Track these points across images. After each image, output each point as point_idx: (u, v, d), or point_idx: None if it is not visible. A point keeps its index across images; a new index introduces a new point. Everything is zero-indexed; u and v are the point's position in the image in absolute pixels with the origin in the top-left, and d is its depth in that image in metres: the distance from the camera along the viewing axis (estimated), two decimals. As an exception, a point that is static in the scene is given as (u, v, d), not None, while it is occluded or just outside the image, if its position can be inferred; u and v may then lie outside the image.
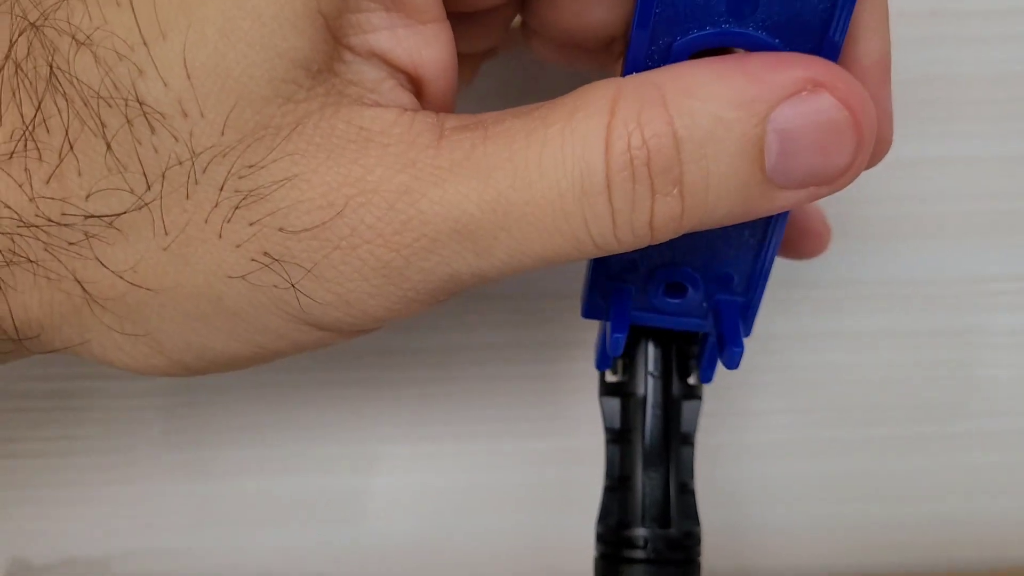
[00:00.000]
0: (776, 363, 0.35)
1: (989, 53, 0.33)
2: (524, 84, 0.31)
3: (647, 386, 0.26)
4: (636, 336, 0.26)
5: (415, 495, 0.35)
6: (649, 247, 0.20)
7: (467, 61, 0.27)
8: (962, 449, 0.35)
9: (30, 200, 0.19)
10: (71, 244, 0.19)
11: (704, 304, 0.24)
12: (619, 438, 0.27)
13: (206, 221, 0.19)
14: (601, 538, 0.26)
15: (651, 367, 0.26)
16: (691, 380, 0.27)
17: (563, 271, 0.33)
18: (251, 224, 0.19)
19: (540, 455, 0.35)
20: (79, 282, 0.20)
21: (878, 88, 0.21)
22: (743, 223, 0.22)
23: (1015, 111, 0.33)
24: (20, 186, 0.19)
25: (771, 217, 0.22)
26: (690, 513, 0.26)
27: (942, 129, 0.33)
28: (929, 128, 0.33)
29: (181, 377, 0.23)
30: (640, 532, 0.25)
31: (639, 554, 0.25)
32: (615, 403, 0.27)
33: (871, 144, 0.19)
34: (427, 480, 0.35)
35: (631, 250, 0.20)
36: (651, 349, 0.26)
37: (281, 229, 0.19)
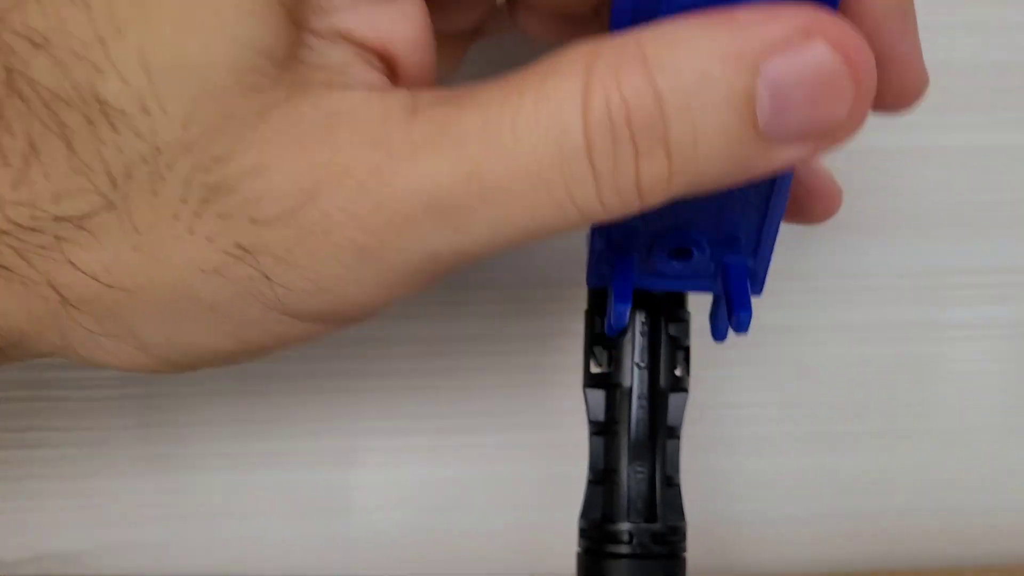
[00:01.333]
0: (761, 356, 0.34)
1: (963, 40, 0.33)
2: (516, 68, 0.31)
3: (633, 377, 0.26)
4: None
5: (398, 489, 0.34)
6: (650, 212, 0.19)
7: (451, 42, 0.26)
8: (948, 445, 0.35)
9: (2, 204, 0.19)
10: (42, 248, 0.19)
11: (712, 264, 0.23)
12: (604, 430, 0.26)
13: (175, 217, 0.19)
14: (584, 533, 0.26)
15: (637, 358, 0.26)
16: (677, 372, 0.26)
17: (555, 258, 0.33)
18: (221, 217, 0.19)
19: (527, 448, 0.34)
20: (53, 287, 0.19)
21: (898, 36, 0.20)
22: (740, 194, 0.21)
23: (988, 101, 0.33)
24: None
25: (773, 185, 0.21)
26: (675, 507, 0.26)
27: (924, 120, 0.33)
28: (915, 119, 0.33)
29: (173, 373, 0.22)
30: (625, 526, 0.25)
31: (623, 549, 0.25)
32: (600, 395, 0.26)
33: (870, 94, 0.18)
34: (410, 474, 0.34)
35: (621, 216, 0.19)
36: (638, 339, 0.26)
37: (252, 220, 0.19)
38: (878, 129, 0.33)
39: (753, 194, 0.22)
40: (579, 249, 0.26)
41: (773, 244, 0.22)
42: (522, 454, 0.34)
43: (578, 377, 0.27)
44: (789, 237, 0.33)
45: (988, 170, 0.34)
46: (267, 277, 0.19)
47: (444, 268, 0.20)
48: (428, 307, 0.33)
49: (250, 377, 0.34)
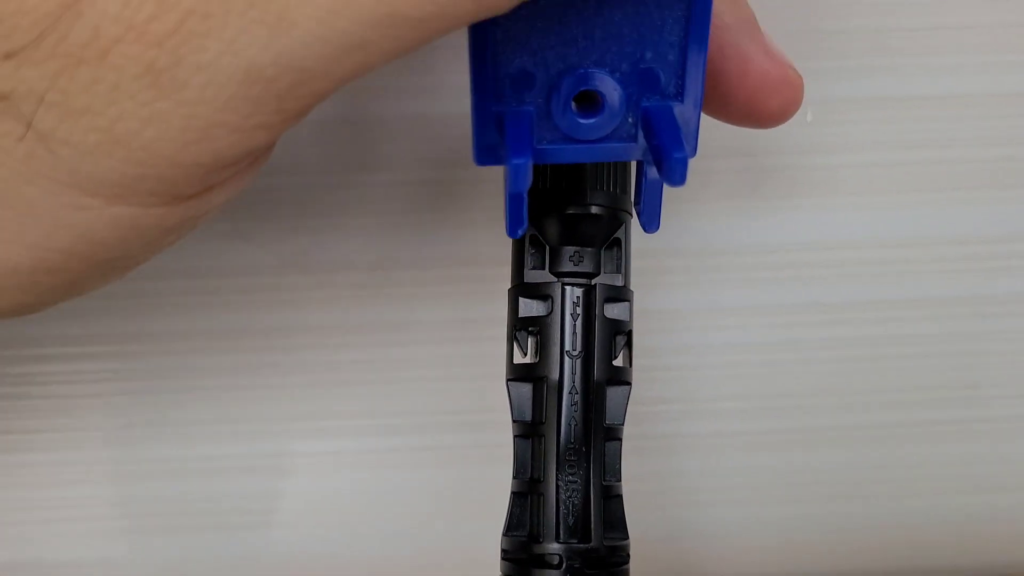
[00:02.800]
0: (722, 340, 0.30)
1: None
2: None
3: (563, 368, 0.22)
4: (550, 298, 0.21)
5: (321, 498, 0.30)
6: (542, 43, 0.15)
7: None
8: (924, 440, 0.31)
9: None
10: None
11: (629, 119, 0.18)
12: (530, 432, 0.22)
13: None
14: (507, 554, 0.22)
15: (568, 345, 0.22)
16: (617, 361, 0.22)
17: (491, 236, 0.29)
18: None
19: (459, 451, 0.30)
20: None
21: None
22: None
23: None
24: None
25: None
26: (616, 523, 0.22)
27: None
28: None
29: None
30: (553, 547, 0.21)
31: (552, 574, 0.21)
32: (525, 389, 0.22)
33: None
34: (335, 482, 0.30)
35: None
36: (568, 322, 0.22)
37: (6, 56, 0.14)
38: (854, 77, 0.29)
39: (666, 9, 0.17)
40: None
41: (702, 82, 0.18)
42: (455, 457, 0.30)
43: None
44: (755, 205, 0.30)
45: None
46: (41, 128, 0.15)
47: (275, 93, 0.15)
48: (344, 291, 0.29)
49: (163, 376, 0.30)
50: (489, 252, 0.29)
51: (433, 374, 0.30)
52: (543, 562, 0.21)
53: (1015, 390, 0.31)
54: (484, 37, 0.17)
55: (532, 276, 0.22)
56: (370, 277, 0.29)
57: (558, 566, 0.21)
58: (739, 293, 0.30)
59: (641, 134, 0.18)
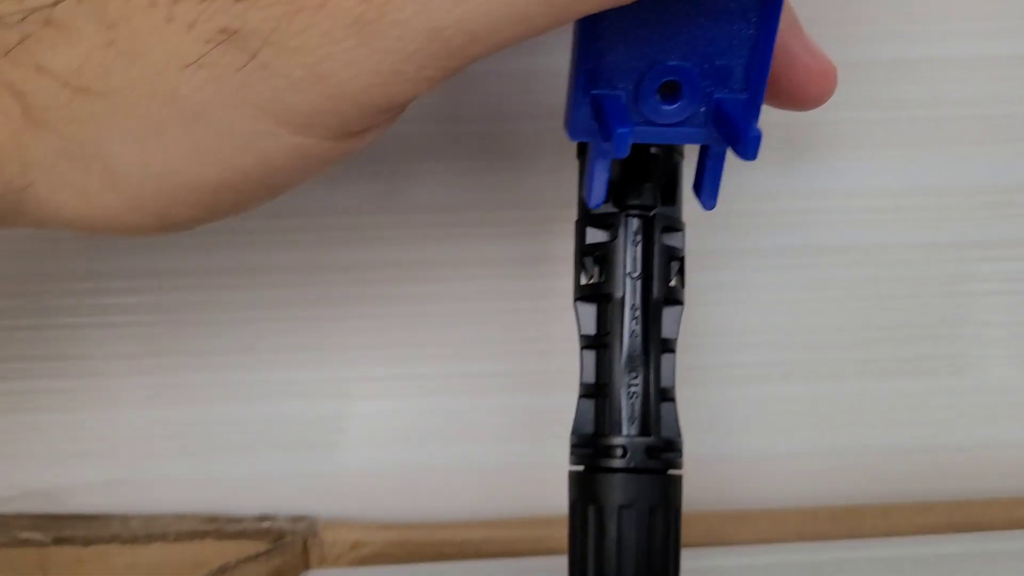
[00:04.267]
0: (754, 281, 0.33)
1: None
2: None
3: (625, 287, 0.25)
4: (613, 227, 0.24)
5: (391, 419, 0.34)
6: (639, 41, 0.18)
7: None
8: (951, 373, 0.34)
9: None
10: (7, 52, 0.18)
11: (702, 110, 0.22)
12: (595, 344, 0.25)
13: (152, 5, 0.17)
14: (576, 448, 0.25)
15: (630, 268, 0.25)
16: (673, 283, 0.25)
17: (553, 181, 0.32)
18: (202, 1, 0.17)
19: (520, 378, 0.33)
20: (18, 94, 0.18)
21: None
22: (733, 5, 0.20)
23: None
24: None
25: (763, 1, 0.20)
26: (671, 422, 0.25)
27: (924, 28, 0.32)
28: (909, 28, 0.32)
29: (141, 232, 0.20)
30: (618, 440, 0.24)
31: (617, 463, 0.24)
32: (591, 307, 0.25)
33: None
34: (402, 404, 0.33)
35: None
36: (630, 249, 0.25)
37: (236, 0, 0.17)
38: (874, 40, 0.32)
39: (740, 15, 0.21)
40: (569, 167, 0.25)
41: (766, 79, 0.21)
42: (511, 383, 0.33)
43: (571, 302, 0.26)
44: (785, 156, 0.33)
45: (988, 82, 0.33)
46: (259, 61, 0.18)
47: (447, 51, 0.18)
48: (423, 228, 0.32)
49: (242, 308, 0.33)
50: (551, 196, 0.32)
51: (500, 306, 0.33)
52: (610, 452, 0.24)
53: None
54: (591, 30, 0.20)
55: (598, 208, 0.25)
56: (442, 218, 0.32)
57: (622, 455, 0.24)
58: (771, 236, 0.33)
59: (711, 121, 0.22)
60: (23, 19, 0.18)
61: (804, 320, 0.33)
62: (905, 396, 0.34)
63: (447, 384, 0.33)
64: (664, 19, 0.20)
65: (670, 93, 0.21)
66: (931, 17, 0.32)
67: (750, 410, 0.34)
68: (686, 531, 0.31)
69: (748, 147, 0.20)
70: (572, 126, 0.22)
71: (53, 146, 0.19)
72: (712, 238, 0.33)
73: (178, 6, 0.17)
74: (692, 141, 0.22)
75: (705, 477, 0.33)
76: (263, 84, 0.18)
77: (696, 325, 0.32)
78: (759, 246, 0.33)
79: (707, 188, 0.23)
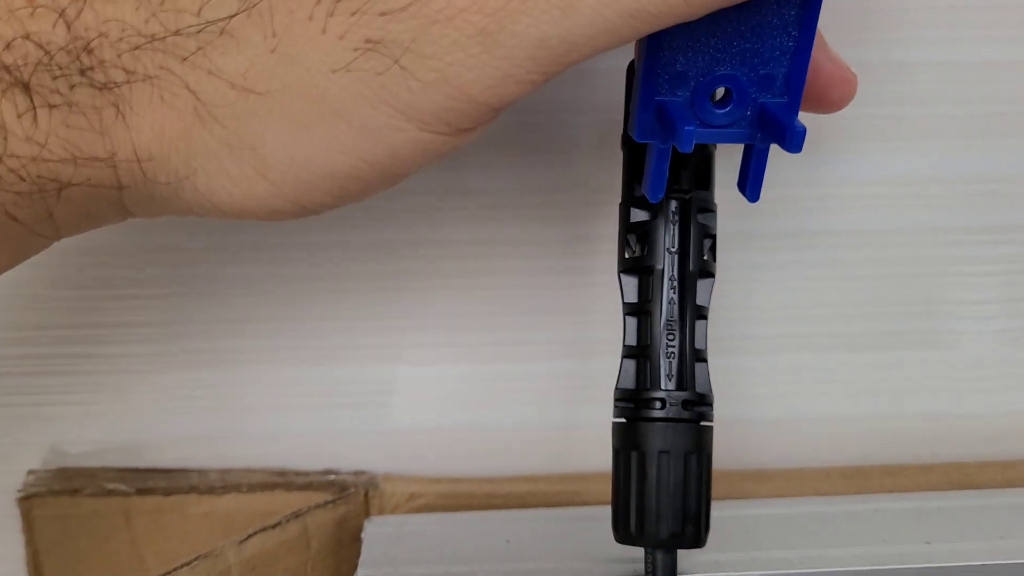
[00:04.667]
0: (774, 261, 0.36)
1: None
2: None
3: (665, 261, 0.28)
4: (654, 207, 0.28)
5: (442, 383, 0.37)
6: (696, 54, 0.22)
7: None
8: (950, 347, 0.37)
9: (150, 16, 0.20)
10: (186, 58, 0.21)
11: (748, 113, 0.25)
12: (638, 311, 0.28)
13: (310, 18, 0.20)
14: (620, 403, 0.28)
15: (669, 243, 0.28)
16: (706, 257, 0.28)
17: (587, 162, 0.35)
18: (352, 14, 0.20)
19: (561, 346, 0.36)
20: (192, 92, 0.21)
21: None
22: (776, 23, 0.23)
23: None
24: (138, 7, 0.21)
25: (803, 15, 0.24)
26: (704, 379, 0.28)
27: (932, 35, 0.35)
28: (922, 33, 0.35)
29: (278, 217, 0.23)
30: (658, 393, 0.27)
31: (657, 413, 0.27)
32: (633, 278, 0.28)
33: None
34: (453, 370, 0.36)
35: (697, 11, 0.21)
36: (669, 226, 0.28)
37: (381, 13, 0.20)
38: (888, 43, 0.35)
39: (782, 30, 0.24)
40: (611, 155, 0.28)
41: (803, 83, 0.24)
42: (553, 351, 0.36)
43: (610, 277, 0.29)
44: (814, 148, 0.35)
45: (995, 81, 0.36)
46: (398, 67, 0.20)
47: (552, 57, 0.21)
48: (469, 210, 0.35)
49: (298, 280, 0.36)
50: (592, 182, 0.35)
51: (544, 281, 0.36)
52: (650, 404, 0.27)
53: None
54: (656, 44, 0.24)
55: (640, 191, 0.29)
56: (493, 200, 0.35)
57: (662, 407, 0.27)
58: (790, 220, 0.36)
59: (756, 123, 0.25)
60: (200, 31, 0.21)
61: (816, 297, 0.36)
62: (907, 366, 0.37)
63: (494, 351, 0.36)
64: (718, 34, 0.24)
65: (722, 99, 0.25)
66: (931, 24, 0.35)
67: (767, 377, 0.37)
68: (710, 487, 0.35)
69: (794, 141, 0.24)
70: (639, 128, 0.25)
71: (217, 139, 0.22)
72: (735, 223, 0.36)
73: (332, 19, 0.20)
74: (740, 141, 0.25)
75: (726, 438, 0.37)
76: (399, 86, 0.21)
77: (719, 300, 0.36)
78: (774, 230, 0.36)
79: (751, 183, 0.26)
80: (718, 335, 0.36)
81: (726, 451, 0.37)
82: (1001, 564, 0.28)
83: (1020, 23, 0.35)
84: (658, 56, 0.24)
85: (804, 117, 0.28)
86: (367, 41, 0.21)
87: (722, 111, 0.25)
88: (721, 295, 0.36)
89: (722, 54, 0.24)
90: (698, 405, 0.28)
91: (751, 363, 0.37)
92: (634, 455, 0.27)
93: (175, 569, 0.30)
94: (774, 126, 0.24)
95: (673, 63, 0.24)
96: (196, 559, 0.31)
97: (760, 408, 0.37)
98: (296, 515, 0.33)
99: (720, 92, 0.25)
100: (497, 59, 0.21)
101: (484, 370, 0.37)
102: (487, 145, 0.35)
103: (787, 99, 0.25)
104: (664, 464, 0.27)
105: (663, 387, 0.27)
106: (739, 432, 0.37)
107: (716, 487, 0.36)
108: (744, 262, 0.36)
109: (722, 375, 0.36)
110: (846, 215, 0.36)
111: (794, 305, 0.37)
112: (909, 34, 0.35)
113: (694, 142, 0.23)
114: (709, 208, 0.29)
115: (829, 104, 0.27)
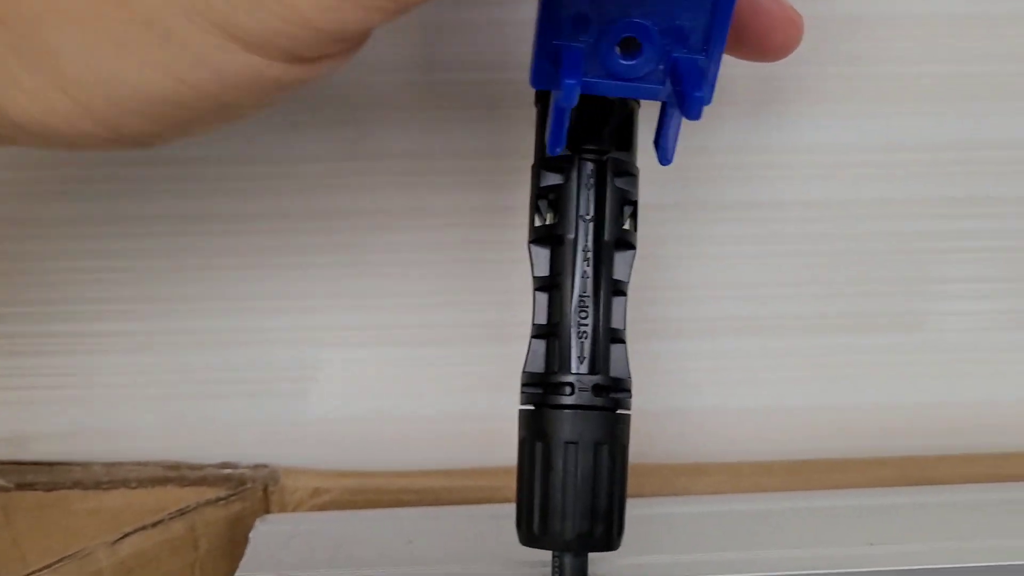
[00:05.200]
0: (714, 235, 0.34)
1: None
2: None
3: (578, 229, 0.25)
4: (568, 169, 0.25)
5: (351, 368, 0.34)
6: None
7: None
8: (905, 330, 0.35)
9: None
10: None
11: (660, 67, 0.22)
12: (548, 285, 0.25)
13: None
14: (526, 386, 0.25)
15: (583, 210, 0.25)
16: (625, 226, 0.26)
17: (522, 132, 0.32)
18: None
19: (481, 329, 0.34)
20: None
21: None
22: None
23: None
24: None
25: None
26: (620, 362, 0.25)
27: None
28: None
29: (95, 144, 0.21)
30: (567, 377, 0.24)
31: (565, 400, 0.24)
32: (545, 249, 0.26)
33: None
34: (363, 354, 0.34)
35: None
36: (583, 191, 0.25)
37: None
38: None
39: None
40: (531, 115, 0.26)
41: (724, 41, 0.22)
42: (472, 334, 0.34)
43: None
44: (758, 109, 0.33)
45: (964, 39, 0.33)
46: None
47: None
48: (383, 175, 0.33)
49: (210, 255, 0.33)
50: (519, 146, 0.32)
51: (463, 256, 0.33)
52: (559, 390, 0.24)
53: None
54: None
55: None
56: (409, 165, 0.32)
57: (571, 393, 0.24)
58: (734, 190, 0.33)
59: (668, 79, 0.22)
60: None
61: (759, 275, 0.34)
62: (859, 352, 0.35)
63: (408, 334, 0.34)
64: None
65: (630, 48, 0.22)
66: None
67: (706, 363, 0.34)
68: (640, 483, 0.32)
69: (691, 108, 0.21)
70: (534, 74, 0.23)
71: (2, 43, 0.19)
72: (671, 192, 0.33)
73: None
74: (649, 97, 0.23)
75: (660, 430, 0.34)
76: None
77: (652, 278, 0.33)
78: (716, 200, 0.33)
79: (662, 144, 0.24)
80: (651, 316, 0.33)
81: (660, 443, 0.34)
82: (946, 568, 0.26)
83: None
84: None
85: (749, 72, 0.25)
86: None
87: (630, 62, 0.22)
88: (655, 272, 0.33)
89: (629, 1, 0.21)
90: (612, 391, 0.25)
91: (688, 347, 0.34)
92: (539, 446, 0.25)
93: (36, 571, 0.28)
94: (678, 85, 0.22)
95: (574, 4, 0.22)
96: (61, 560, 0.28)
97: (698, 397, 0.35)
98: (182, 513, 0.31)
99: (629, 41, 0.22)
100: None
101: (398, 354, 0.34)
102: (400, 103, 0.32)
103: (704, 55, 0.22)
104: (571, 456, 0.24)
105: (573, 370, 0.25)
106: (675, 423, 0.34)
107: (648, 483, 0.33)
108: (681, 235, 0.34)
109: (656, 361, 0.34)
110: (795, 185, 0.34)
111: (736, 284, 0.34)
112: None
113: (576, 95, 0.21)
114: (630, 171, 0.26)
115: (771, 49, 0.24)
